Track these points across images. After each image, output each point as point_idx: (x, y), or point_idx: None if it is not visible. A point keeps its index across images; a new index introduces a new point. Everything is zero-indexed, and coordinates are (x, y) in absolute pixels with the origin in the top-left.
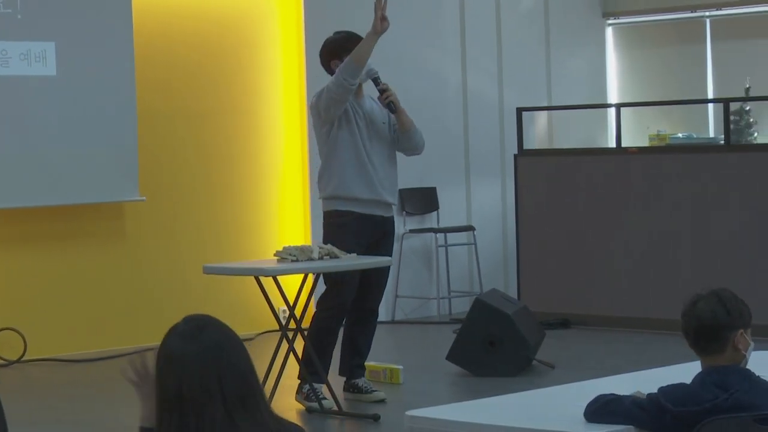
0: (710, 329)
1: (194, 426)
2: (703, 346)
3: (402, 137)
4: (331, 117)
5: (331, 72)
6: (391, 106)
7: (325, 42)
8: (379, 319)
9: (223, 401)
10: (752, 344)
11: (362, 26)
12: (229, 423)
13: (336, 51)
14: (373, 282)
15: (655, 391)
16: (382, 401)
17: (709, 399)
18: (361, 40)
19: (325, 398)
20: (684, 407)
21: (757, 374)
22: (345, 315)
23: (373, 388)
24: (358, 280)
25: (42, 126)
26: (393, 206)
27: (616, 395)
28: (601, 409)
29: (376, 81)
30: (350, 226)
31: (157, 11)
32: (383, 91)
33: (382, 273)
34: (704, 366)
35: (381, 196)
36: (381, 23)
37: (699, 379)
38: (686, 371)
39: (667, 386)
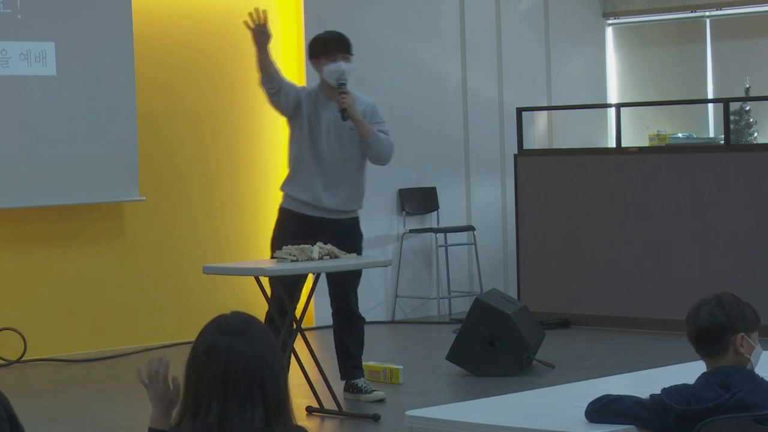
0: (709, 332)
1: (237, 419)
2: (705, 350)
3: (362, 146)
4: (280, 113)
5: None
6: (344, 114)
7: (311, 40)
8: (379, 320)
9: (264, 402)
10: (758, 347)
11: (362, 26)
12: (266, 426)
13: (312, 51)
14: (345, 285)
15: (658, 391)
16: (381, 401)
17: (713, 398)
18: (336, 41)
19: None
20: (688, 406)
21: (760, 375)
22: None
23: (373, 388)
24: (293, 287)
25: (42, 126)
26: (347, 211)
27: (618, 395)
28: (602, 409)
29: (340, 86)
30: (285, 225)
31: (157, 11)
32: (339, 94)
33: (352, 275)
34: (709, 369)
35: (318, 200)
36: (257, 37)
37: (702, 379)
38: (686, 371)
39: (671, 387)
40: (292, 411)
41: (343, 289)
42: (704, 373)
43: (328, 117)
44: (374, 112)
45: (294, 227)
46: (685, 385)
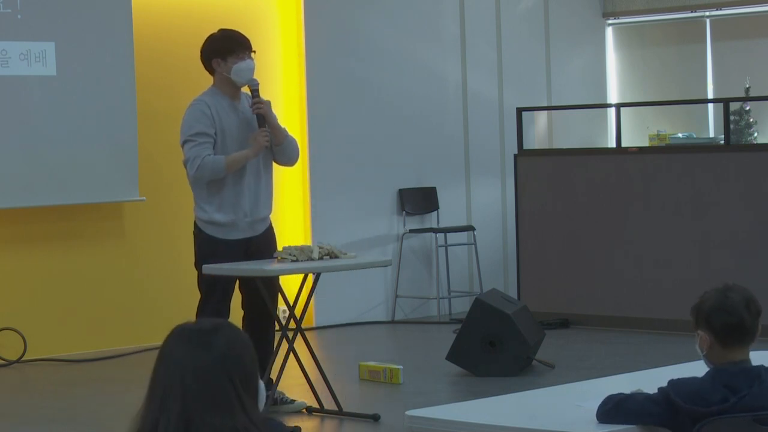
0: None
1: (156, 422)
2: (742, 339)
3: (275, 150)
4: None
5: (210, 69)
6: (260, 118)
7: (207, 39)
8: (379, 320)
9: (183, 403)
10: None
11: (362, 26)
12: (186, 424)
13: (216, 50)
14: (267, 287)
15: (663, 386)
16: (304, 410)
17: (717, 401)
18: (243, 39)
19: None
20: (693, 405)
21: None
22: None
23: (292, 398)
24: (232, 289)
25: (42, 126)
26: (267, 217)
27: (626, 394)
28: (614, 409)
29: (253, 93)
30: (211, 252)
31: (157, 11)
32: (255, 101)
33: (269, 282)
34: (720, 360)
35: (245, 218)
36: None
37: (709, 377)
38: (686, 371)
39: (678, 380)
40: (242, 407)
41: (258, 291)
42: (711, 370)
43: (235, 122)
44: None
45: (218, 252)
46: (692, 380)
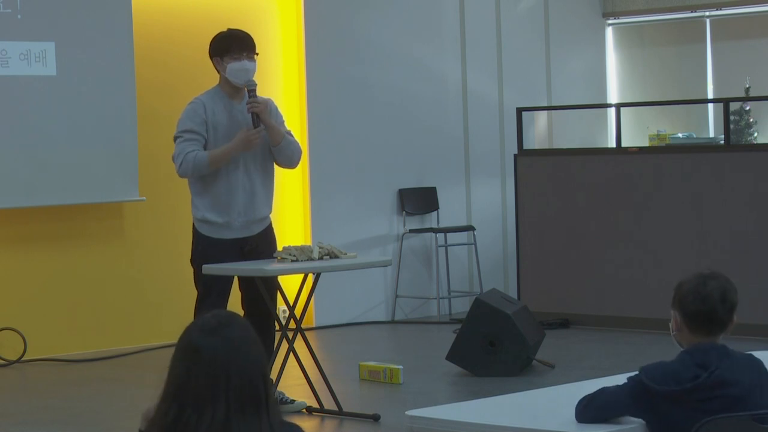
0: (730, 310)
1: (193, 422)
2: (710, 328)
3: (273, 150)
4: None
5: (215, 67)
6: (254, 118)
7: (213, 37)
8: (379, 320)
9: (226, 403)
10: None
11: (362, 26)
12: (225, 426)
13: (215, 49)
14: (267, 287)
15: (633, 374)
16: (304, 410)
17: (690, 378)
18: (244, 39)
19: None
20: (667, 386)
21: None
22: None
23: (292, 398)
24: (229, 289)
25: (42, 126)
26: (266, 218)
27: (598, 390)
28: (587, 407)
29: (250, 93)
30: (204, 251)
31: (157, 11)
32: (249, 101)
33: (268, 282)
34: (687, 343)
35: (240, 218)
36: (250, 144)
37: (680, 358)
38: None
39: (649, 365)
40: (266, 412)
41: (258, 291)
42: (682, 351)
43: (225, 121)
44: (277, 112)
45: (215, 253)
46: (662, 364)
